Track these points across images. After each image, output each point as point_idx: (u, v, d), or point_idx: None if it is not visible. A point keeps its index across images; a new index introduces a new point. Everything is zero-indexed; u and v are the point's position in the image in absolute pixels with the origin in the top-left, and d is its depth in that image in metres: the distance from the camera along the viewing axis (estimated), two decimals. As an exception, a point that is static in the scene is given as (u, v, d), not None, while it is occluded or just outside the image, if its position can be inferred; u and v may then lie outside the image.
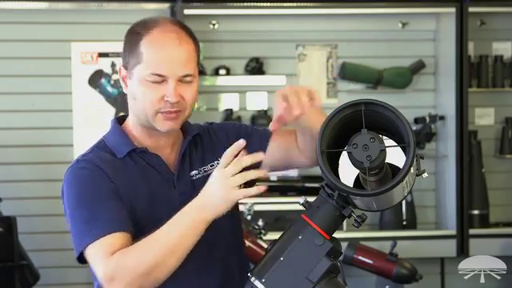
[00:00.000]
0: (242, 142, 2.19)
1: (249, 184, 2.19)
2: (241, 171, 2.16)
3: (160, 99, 2.31)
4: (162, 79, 2.31)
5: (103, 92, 5.64)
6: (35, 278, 5.19)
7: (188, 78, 2.33)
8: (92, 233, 2.22)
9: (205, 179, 2.27)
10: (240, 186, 2.16)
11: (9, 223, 5.07)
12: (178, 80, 2.31)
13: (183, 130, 2.46)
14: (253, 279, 2.07)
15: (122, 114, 2.51)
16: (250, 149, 2.24)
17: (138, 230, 2.26)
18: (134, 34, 2.34)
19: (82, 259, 2.28)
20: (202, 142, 2.46)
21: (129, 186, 2.32)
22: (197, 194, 2.23)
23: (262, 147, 2.41)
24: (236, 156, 2.17)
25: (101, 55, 5.63)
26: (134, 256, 2.17)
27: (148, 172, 2.36)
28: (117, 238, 2.21)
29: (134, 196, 2.31)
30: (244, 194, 2.15)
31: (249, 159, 2.16)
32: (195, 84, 2.36)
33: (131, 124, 2.42)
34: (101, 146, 2.40)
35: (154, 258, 2.16)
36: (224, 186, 2.14)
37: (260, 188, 2.18)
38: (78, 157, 2.39)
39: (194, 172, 2.42)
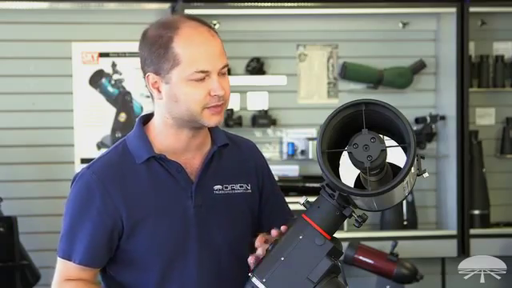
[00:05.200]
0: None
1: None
2: None
3: (206, 95, 2.27)
4: (205, 75, 2.27)
5: (104, 92, 5.63)
6: (36, 278, 5.18)
7: (224, 70, 2.32)
8: (64, 249, 2.31)
9: (229, 197, 2.31)
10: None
11: (10, 223, 5.07)
12: (218, 73, 2.30)
13: (211, 133, 2.43)
14: (254, 279, 2.07)
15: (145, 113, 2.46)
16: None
17: (147, 240, 2.28)
18: (160, 38, 2.28)
19: None
20: (231, 155, 2.41)
21: (135, 196, 2.30)
22: (216, 210, 2.28)
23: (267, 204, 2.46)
24: None
25: (101, 55, 5.63)
26: None
27: (163, 180, 2.33)
28: (78, 269, 2.30)
29: (138, 207, 2.30)
30: None
31: None
32: (227, 75, 2.36)
33: (157, 126, 2.37)
34: (120, 148, 2.37)
35: None
36: None
37: None
38: (94, 160, 2.37)
39: (217, 186, 2.37)
